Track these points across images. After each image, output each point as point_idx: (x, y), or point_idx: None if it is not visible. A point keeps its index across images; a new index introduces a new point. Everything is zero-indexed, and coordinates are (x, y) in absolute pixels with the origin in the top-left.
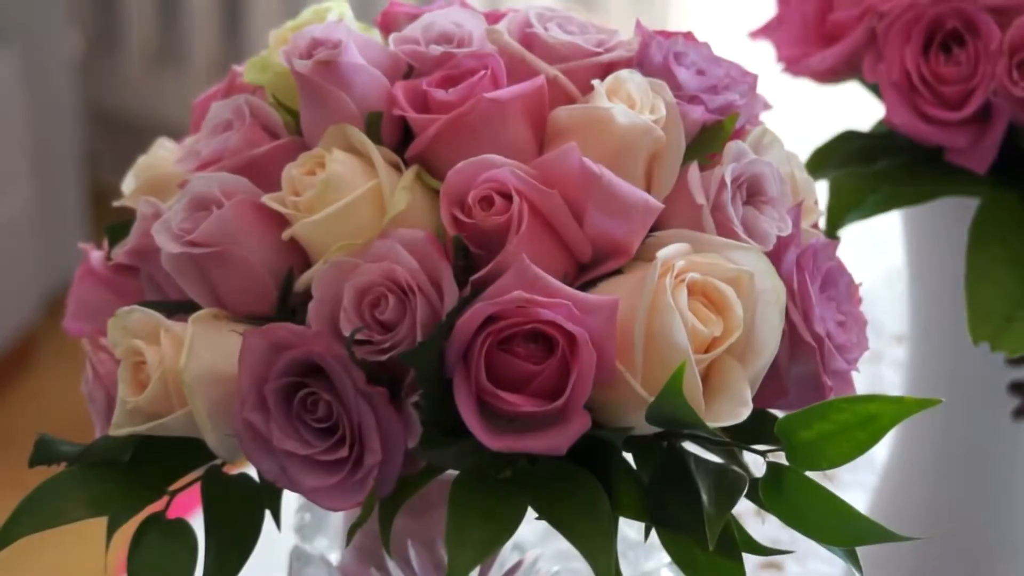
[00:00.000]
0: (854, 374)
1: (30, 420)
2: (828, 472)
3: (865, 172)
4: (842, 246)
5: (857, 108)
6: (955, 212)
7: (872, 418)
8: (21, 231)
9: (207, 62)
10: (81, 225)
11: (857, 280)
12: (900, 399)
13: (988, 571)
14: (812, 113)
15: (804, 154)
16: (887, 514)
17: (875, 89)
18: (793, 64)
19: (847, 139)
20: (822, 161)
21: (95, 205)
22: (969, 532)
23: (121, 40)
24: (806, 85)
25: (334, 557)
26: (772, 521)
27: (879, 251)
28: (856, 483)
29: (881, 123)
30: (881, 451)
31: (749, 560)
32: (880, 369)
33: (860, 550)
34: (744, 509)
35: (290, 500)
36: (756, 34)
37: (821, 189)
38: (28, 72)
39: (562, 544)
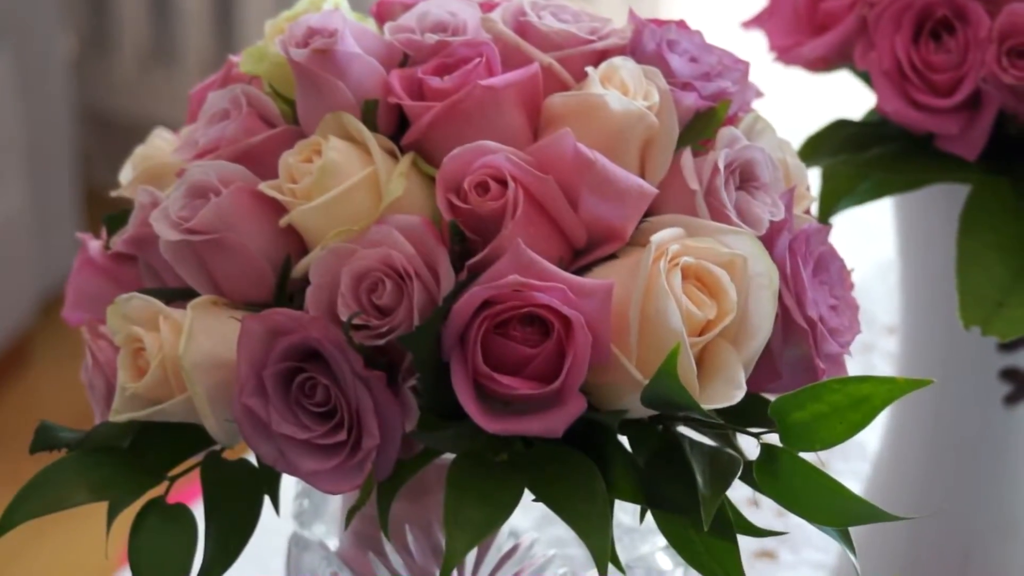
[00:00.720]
0: (848, 364)
1: (26, 419)
2: (821, 460)
3: (857, 160)
4: (835, 237)
5: (849, 96)
6: (946, 199)
7: (865, 399)
8: (15, 231)
9: (200, 63)
10: (75, 225)
11: (848, 267)
12: (892, 379)
13: (980, 556)
14: (805, 102)
15: (797, 142)
16: (880, 501)
17: (866, 77)
18: (785, 53)
19: (839, 127)
20: (814, 149)
21: (89, 205)
22: (961, 518)
23: (114, 41)
24: (798, 74)
25: (332, 543)
26: (766, 509)
27: (871, 242)
28: (849, 471)
29: (873, 111)
30: (874, 439)
31: (743, 549)
32: (872, 359)
33: (854, 536)
34: (738, 497)
35: (288, 487)
36: (748, 24)
37: (813, 177)
38: (21, 73)
39: (558, 530)
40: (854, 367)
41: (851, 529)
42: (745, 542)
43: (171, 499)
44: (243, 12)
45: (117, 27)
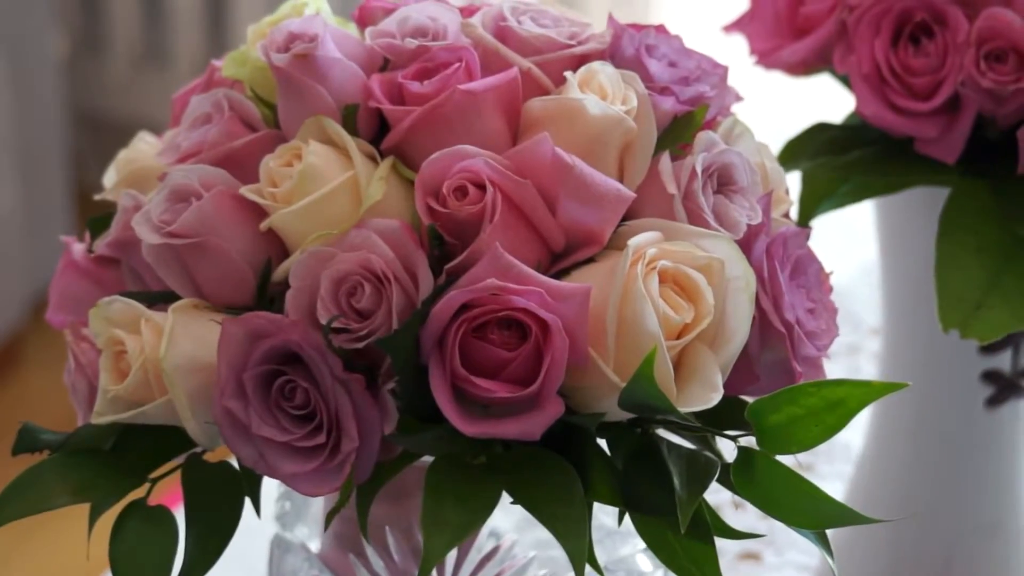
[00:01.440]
0: (834, 366)
1: (16, 420)
2: (806, 462)
3: (837, 163)
4: (820, 239)
5: (832, 100)
6: (926, 202)
7: (840, 402)
8: (7, 232)
9: (192, 63)
10: (67, 226)
11: (829, 269)
12: (868, 383)
13: (963, 558)
14: (788, 105)
15: (777, 146)
16: (862, 503)
17: (846, 81)
18: (765, 57)
19: (819, 131)
20: (795, 152)
21: (81, 206)
22: (944, 520)
23: (106, 42)
24: (781, 78)
25: (314, 545)
26: (750, 512)
27: (857, 245)
28: (834, 474)
29: (853, 115)
30: (859, 441)
31: (728, 551)
32: (858, 361)
33: (837, 538)
34: (723, 499)
35: (270, 489)
36: (729, 28)
37: (794, 180)
38: (13, 74)
39: (540, 532)
40: (840, 369)
41: (835, 531)
42: (730, 544)
43: (155, 503)
44: (235, 14)
45: (109, 28)
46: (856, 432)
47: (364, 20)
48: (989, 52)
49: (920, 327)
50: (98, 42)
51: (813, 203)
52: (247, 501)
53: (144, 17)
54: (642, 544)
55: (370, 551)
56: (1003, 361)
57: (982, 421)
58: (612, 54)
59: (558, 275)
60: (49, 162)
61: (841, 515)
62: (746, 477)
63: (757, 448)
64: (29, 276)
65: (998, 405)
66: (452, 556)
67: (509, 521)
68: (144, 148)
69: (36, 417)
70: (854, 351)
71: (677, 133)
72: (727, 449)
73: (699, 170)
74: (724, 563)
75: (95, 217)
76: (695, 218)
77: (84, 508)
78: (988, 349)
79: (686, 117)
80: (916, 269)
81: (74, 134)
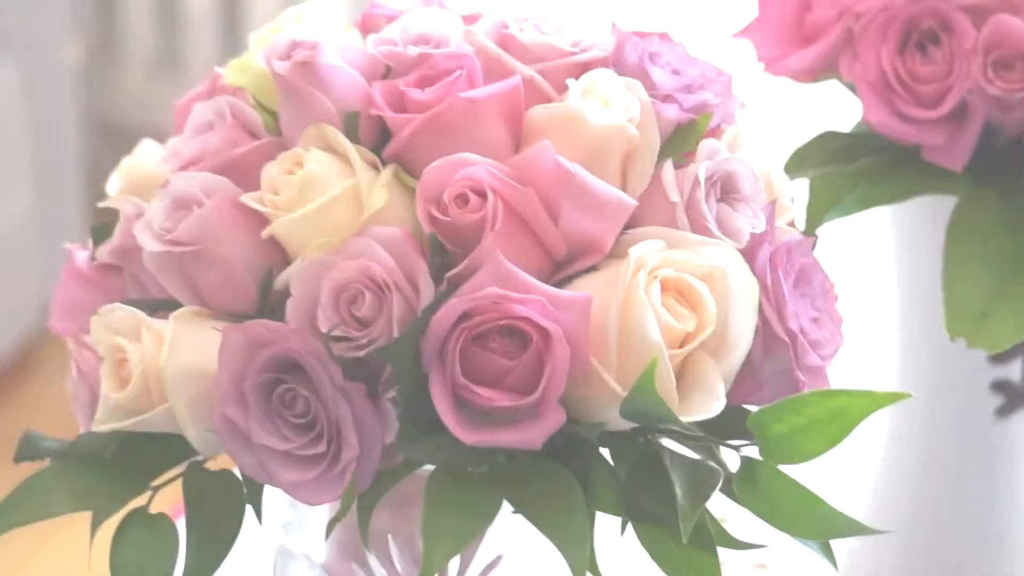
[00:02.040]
0: (841, 373)
1: (31, 427)
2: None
3: (844, 171)
4: (831, 247)
5: (841, 108)
6: (934, 210)
7: (842, 412)
8: (22, 240)
9: (207, 72)
10: (82, 234)
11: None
12: (870, 393)
13: (973, 568)
14: (795, 113)
15: (785, 154)
16: (872, 513)
17: (854, 88)
18: (772, 64)
19: (827, 139)
20: (802, 160)
21: (95, 214)
22: (954, 530)
23: (121, 50)
24: (787, 85)
25: (317, 554)
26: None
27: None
28: (840, 482)
29: (861, 123)
30: (869, 451)
31: (738, 561)
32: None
33: (847, 548)
34: (732, 507)
35: (275, 498)
36: (737, 35)
37: (801, 189)
38: (28, 82)
39: (544, 541)
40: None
41: (843, 540)
42: (740, 553)
43: (156, 511)
44: (250, 21)
45: (124, 36)
46: (865, 441)
47: (366, 27)
48: (996, 59)
49: (930, 336)
50: (113, 50)
51: (820, 211)
52: (249, 509)
53: (159, 25)
54: None
55: (372, 560)
56: (1013, 371)
57: (992, 431)
58: (615, 62)
59: (560, 283)
60: (64, 170)
61: (844, 526)
62: (749, 487)
63: (760, 458)
64: (43, 285)
65: (1008, 415)
66: (455, 564)
67: (513, 529)
68: (148, 155)
69: (50, 424)
70: None
71: (680, 141)
72: (731, 459)
73: (702, 178)
74: (738, 573)
75: (98, 224)
76: (698, 226)
77: (86, 517)
78: (998, 359)
79: (689, 125)
80: (924, 278)
81: (89, 142)
